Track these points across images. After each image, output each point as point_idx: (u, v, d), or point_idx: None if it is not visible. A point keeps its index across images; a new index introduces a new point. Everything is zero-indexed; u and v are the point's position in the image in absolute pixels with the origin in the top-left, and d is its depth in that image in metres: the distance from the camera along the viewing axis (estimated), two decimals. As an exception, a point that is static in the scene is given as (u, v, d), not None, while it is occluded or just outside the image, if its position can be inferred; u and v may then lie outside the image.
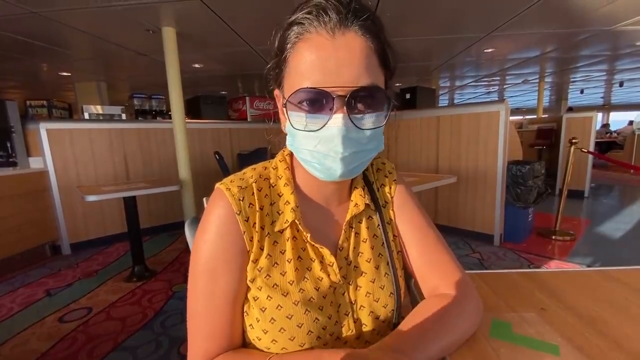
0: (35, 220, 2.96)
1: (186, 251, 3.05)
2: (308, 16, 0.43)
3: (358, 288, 0.54)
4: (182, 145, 3.22)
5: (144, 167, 3.69)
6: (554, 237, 3.07)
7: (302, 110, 0.44)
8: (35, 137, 3.02)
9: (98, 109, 4.27)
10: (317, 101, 0.43)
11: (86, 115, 4.09)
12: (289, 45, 0.45)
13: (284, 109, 0.46)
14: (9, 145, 2.85)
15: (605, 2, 2.73)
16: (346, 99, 0.42)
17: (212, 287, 0.48)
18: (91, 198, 2.13)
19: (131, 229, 2.51)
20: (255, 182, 0.52)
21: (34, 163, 3.03)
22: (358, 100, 0.43)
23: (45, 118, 4.17)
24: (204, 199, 0.86)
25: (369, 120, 0.44)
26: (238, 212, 0.48)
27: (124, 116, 4.41)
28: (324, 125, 0.43)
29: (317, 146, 0.45)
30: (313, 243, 0.51)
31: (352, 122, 0.43)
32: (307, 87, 0.42)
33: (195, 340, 0.49)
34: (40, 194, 3.02)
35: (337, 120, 0.42)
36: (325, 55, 0.41)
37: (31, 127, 3.03)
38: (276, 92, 0.51)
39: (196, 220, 0.75)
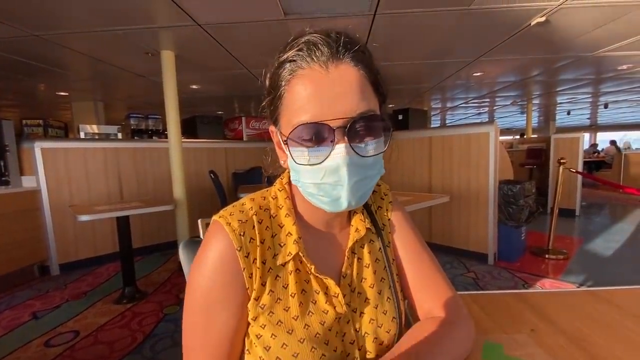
0: (24, 240, 2.90)
1: (179, 272, 3.00)
2: (300, 53, 0.44)
3: (362, 315, 0.54)
4: (177, 165, 3.23)
5: (138, 187, 3.67)
6: (547, 255, 3.09)
7: (303, 145, 0.44)
8: (29, 156, 3.02)
9: (94, 128, 4.28)
10: (318, 134, 0.44)
11: (82, 135, 4.10)
12: (283, 83, 0.46)
13: (285, 145, 0.46)
14: (2, 163, 2.83)
15: (584, 30, 2.88)
16: (346, 129, 0.43)
17: (209, 324, 0.47)
18: (84, 218, 2.11)
19: (123, 249, 2.47)
20: (256, 215, 0.51)
21: (27, 182, 3.01)
22: (358, 129, 0.44)
23: (40, 137, 4.16)
24: (199, 221, 0.86)
25: (370, 147, 0.45)
26: (239, 249, 0.47)
27: (120, 135, 4.42)
28: (327, 157, 0.44)
29: (324, 178, 0.45)
30: (317, 275, 0.50)
31: (354, 150, 0.44)
32: (307, 122, 0.43)
33: None
34: (31, 213, 2.98)
35: (339, 150, 0.43)
36: (321, 89, 0.43)
37: (26, 145, 3.03)
38: (271, 128, 0.52)
39: (191, 243, 0.75)
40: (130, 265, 2.51)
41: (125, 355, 1.77)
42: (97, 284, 2.83)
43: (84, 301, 2.47)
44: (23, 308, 2.39)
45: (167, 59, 3.09)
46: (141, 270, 3.07)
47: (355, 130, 0.44)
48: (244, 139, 5.13)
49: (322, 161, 0.44)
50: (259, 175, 3.94)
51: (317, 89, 0.43)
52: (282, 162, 0.53)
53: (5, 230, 2.75)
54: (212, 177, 3.41)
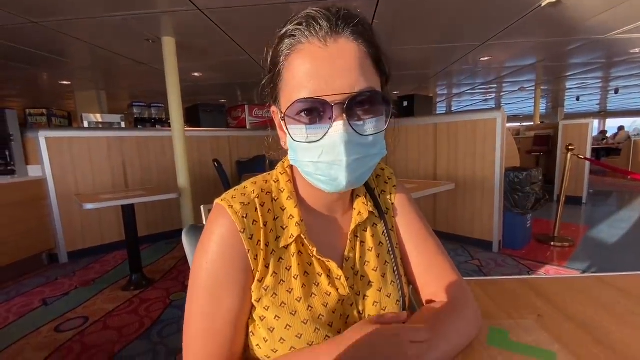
0: (32, 228, 2.95)
1: (184, 259, 3.03)
2: (299, 27, 0.43)
3: (365, 298, 0.53)
4: (181, 153, 3.23)
5: (142, 175, 3.68)
6: (552, 243, 3.07)
7: (301, 122, 0.43)
8: (34, 146, 3.03)
9: (97, 117, 4.28)
10: (316, 111, 0.43)
11: (86, 124, 4.11)
12: (282, 58, 0.45)
13: (283, 123, 0.45)
14: (7, 153, 2.85)
15: (597, 12, 2.78)
16: (345, 106, 0.41)
17: (214, 309, 0.46)
18: (89, 206, 2.13)
19: (129, 237, 2.49)
20: (258, 197, 0.51)
21: (33, 171, 3.03)
22: (357, 106, 0.43)
23: (44, 126, 4.18)
24: (202, 207, 0.86)
25: (369, 126, 0.44)
26: (242, 231, 0.47)
27: (123, 124, 4.42)
28: (324, 135, 0.42)
29: (322, 156, 0.44)
30: (319, 257, 0.50)
31: (352, 128, 0.42)
32: (304, 98, 0.42)
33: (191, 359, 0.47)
34: (38, 202, 3.01)
35: (337, 127, 0.42)
36: (319, 64, 0.41)
37: (30, 135, 3.03)
38: (273, 108, 0.51)
39: (194, 228, 0.75)
40: (136, 253, 2.54)
41: (134, 340, 1.80)
42: (105, 271, 2.87)
43: (92, 288, 2.52)
44: (33, 295, 2.44)
45: (168, 45, 3.05)
46: (148, 258, 3.11)
47: (354, 107, 0.43)
48: (247, 127, 5.10)
49: (320, 138, 0.43)
50: (262, 163, 3.92)
51: (315, 64, 0.42)
52: (283, 143, 0.52)
53: (14, 219, 2.78)
54: (216, 165, 3.41)
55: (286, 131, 0.45)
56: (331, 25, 0.42)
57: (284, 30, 0.45)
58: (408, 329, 0.44)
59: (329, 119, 0.42)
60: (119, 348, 1.74)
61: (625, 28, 3.21)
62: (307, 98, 0.41)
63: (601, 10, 2.77)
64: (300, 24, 0.43)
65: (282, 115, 0.45)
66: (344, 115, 0.41)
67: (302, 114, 0.43)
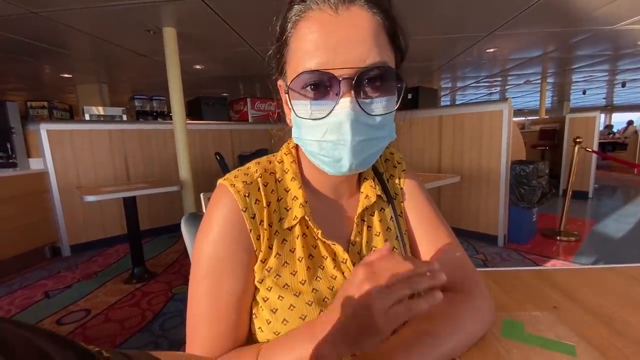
0: (35, 221, 2.94)
1: (186, 253, 3.03)
2: None
3: None
4: (182, 146, 3.21)
5: (144, 169, 3.67)
6: (558, 237, 3.03)
7: (306, 97, 0.41)
8: (35, 138, 3.01)
9: (99, 110, 4.26)
10: (322, 85, 0.40)
11: (87, 117, 4.08)
12: (289, 26, 0.42)
13: (287, 96, 0.42)
14: (9, 146, 2.84)
15: (605, 1, 2.71)
16: (353, 81, 0.38)
17: (216, 290, 0.45)
18: (90, 198, 2.11)
19: (131, 231, 2.48)
20: (261, 177, 0.49)
21: (34, 164, 3.02)
22: (366, 82, 0.40)
23: (45, 119, 4.16)
24: (202, 195, 0.84)
25: (379, 105, 0.41)
26: (244, 209, 0.45)
27: (125, 117, 4.40)
28: (330, 112, 0.40)
29: (326, 135, 0.41)
30: (324, 240, 0.48)
31: (360, 106, 0.39)
32: (310, 70, 0.39)
33: (195, 344, 0.46)
34: (40, 195, 3.00)
35: (344, 105, 0.39)
36: (328, 33, 0.38)
37: (31, 128, 3.02)
38: (279, 82, 0.48)
39: (193, 217, 0.72)
40: (138, 246, 2.53)
41: (136, 333, 1.80)
42: (107, 264, 2.87)
43: (94, 281, 2.51)
44: (36, 287, 2.44)
45: (170, 36, 3.01)
46: (150, 251, 3.11)
47: (363, 83, 0.39)
48: (250, 120, 5.06)
49: (325, 115, 0.40)
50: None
51: (324, 32, 0.38)
52: (288, 120, 0.49)
53: (17, 212, 2.78)
54: (218, 158, 3.39)
55: (290, 106, 0.43)
56: None
57: None
58: (376, 282, 0.34)
59: (336, 94, 0.39)
60: (120, 341, 1.73)
61: (634, 19, 3.13)
62: (313, 70, 0.39)
63: (609, 1, 2.70)
64: None
65: (287, 88, 0.42)
66: (352, 92, 0.39)
67: (308, 88, 0.40)
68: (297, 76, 0.40)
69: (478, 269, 0.71)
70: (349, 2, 0.39)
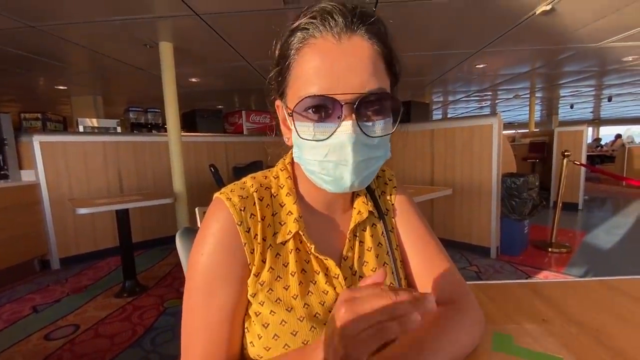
0: (24, 234, 2.89)
1: (179, 266, 2.98)
2: (313, 21, 0.42)
3: None
4: (177, 159, 3.21)
5: (138, 181, 3.65)
6: (550, 249, 3.07)
7: (309, 119, 0.42)
8: (28, 150, 2.99)
9: (93, 122, 4.23)
10: (325, 108, 0.42)
11: (81, 128, 4.06)
12: (292, 52, 0.44)
13: (290, 118, 0.44)
14: (0, 157, 2.81)
15: (589, 20, 2.83)
16: (355, 106, 0.40)
17: (210, 302, 0.45)
18: (82, 211, 2.09)
19: (123, 243, 2.45)
20: (256, 192, 0.50)
21: (26, 176, 2.99)
22: (366, 106, 0.42)
23: (39, 131, 4.12)
24: (197, 209, 0.84)
25: (378, 127, 0.43)
26: (239, 223, 0.46)
27: (119, 129, 4.38)
28: (332, 134, 0.42)
29: (328, 156, 0.43)
30: (317, 255, 0.49)
31: (361, 129, 0.41)
32: (314, 95, 0.41)
33: (189, 358, 0.46)
34: (30, 208, 2.96)
35: (346, 127, 0.41)
36: (331, 60, 0.40)
37: (24, 139, 2.99)
38: (277, 102, 0.50)
39: (188, 231, 0.73)
40: (130, 259, 2.49)
41: (126, 349, 1.76)
42: (98, 277, 2.82)
43: (84, 295, 2.46)
44: (23, 302, 2.38)
45: (166, 50, 3.04)
46: (142, 264, 3.06)
47: (364, 107, 0.42)
48: (244, 132, 5.09)
49: (328, 137, 0.42)
50: (259, 169, 3.89)
51: (327, 60, 0.41)
52: (286, 139, 0.51)
53: (6, 224, 2.73)
54: (212, 170, 3.38)
55: (293, 127, 0.44)
56: (346, 22, 0.41)
57: (297, 23, 0.44)
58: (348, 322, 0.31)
59: (338, 117, 0.41)
60: (110, 357, 1.69)
61: (618, 36, 3.26)
62: (318, 95, 0.41)
63: (592, 20, 2.82)
64: (314, 17, 0.42)
65: (290, 110, 0.43)
66: (353, 115, 0.41)
67: (310, 110, 0.42)
68: (301, 100, 0.41)
69: (471, 282, 0.72)
70: (351, 32, 0.41)
